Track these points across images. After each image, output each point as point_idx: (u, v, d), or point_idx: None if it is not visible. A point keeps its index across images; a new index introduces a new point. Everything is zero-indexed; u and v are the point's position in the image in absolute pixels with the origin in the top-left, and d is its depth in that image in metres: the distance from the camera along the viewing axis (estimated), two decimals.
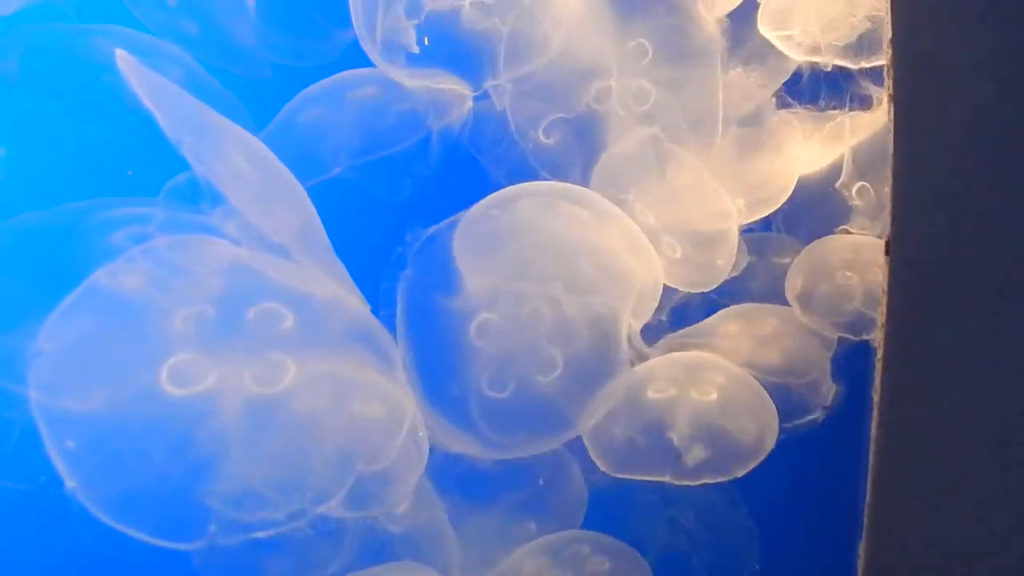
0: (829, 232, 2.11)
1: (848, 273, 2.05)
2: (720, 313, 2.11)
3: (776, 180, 2.07)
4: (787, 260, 2.17)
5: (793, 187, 2.07)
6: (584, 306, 1.54)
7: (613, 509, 1.91)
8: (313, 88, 1.86)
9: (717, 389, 1.84)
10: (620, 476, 1.81)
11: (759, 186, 2.05)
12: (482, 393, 1.52)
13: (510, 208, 1.58)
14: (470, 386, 1.53)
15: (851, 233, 2.10)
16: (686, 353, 1.92)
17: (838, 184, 2.11)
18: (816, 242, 2.11)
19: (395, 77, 1.76)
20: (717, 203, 1.88)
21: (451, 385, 1.53)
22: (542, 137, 1.83)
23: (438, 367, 1.54)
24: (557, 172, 1.86)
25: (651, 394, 1.83)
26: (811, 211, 2.14)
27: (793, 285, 2.08)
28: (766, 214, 2.07)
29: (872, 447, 1.55)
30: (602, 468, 1.81)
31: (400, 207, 1.86)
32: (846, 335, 2.02)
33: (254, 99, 1.87)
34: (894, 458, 1.53)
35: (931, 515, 1.50)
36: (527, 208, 1.57)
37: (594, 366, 1.56)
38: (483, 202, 1.59)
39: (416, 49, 1.71)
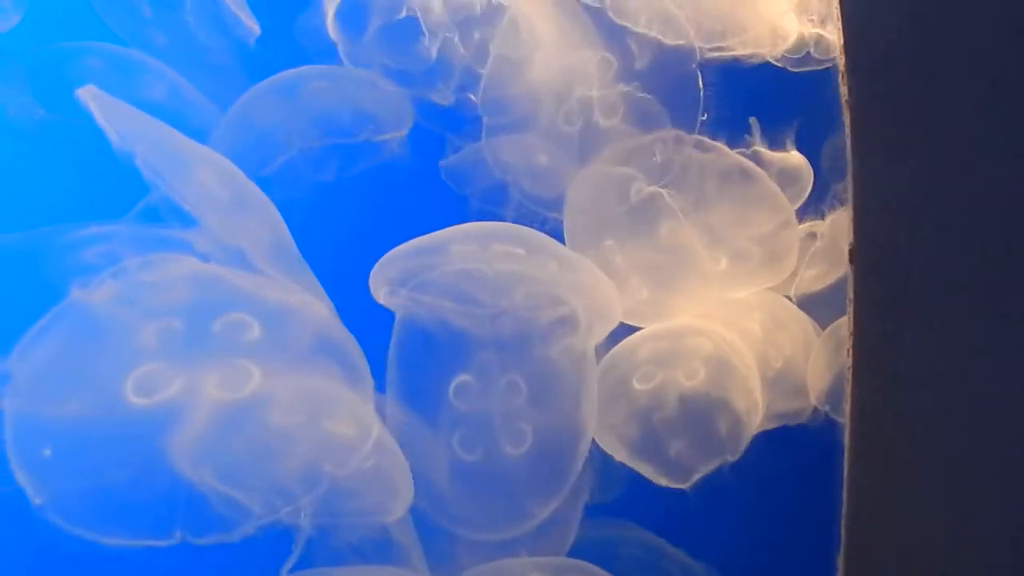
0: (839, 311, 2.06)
1: None
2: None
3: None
4: (812, 272, 2.14)
5: None
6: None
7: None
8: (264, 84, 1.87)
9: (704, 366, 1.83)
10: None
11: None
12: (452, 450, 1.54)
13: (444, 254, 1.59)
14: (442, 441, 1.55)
15: None
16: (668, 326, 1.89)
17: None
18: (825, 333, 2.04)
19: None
20: (695, 254, 1.86)
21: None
22: (527, 163, 1.84)
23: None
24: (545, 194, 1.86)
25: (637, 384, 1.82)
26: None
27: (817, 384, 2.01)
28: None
29: (846, 457, 1.53)
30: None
31: (376, 218, 1.89)
32: None
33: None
34: (868, 467, 1.51)
35: (907, 524, 1.48)
36: (460, 252, 1.58)
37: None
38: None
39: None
